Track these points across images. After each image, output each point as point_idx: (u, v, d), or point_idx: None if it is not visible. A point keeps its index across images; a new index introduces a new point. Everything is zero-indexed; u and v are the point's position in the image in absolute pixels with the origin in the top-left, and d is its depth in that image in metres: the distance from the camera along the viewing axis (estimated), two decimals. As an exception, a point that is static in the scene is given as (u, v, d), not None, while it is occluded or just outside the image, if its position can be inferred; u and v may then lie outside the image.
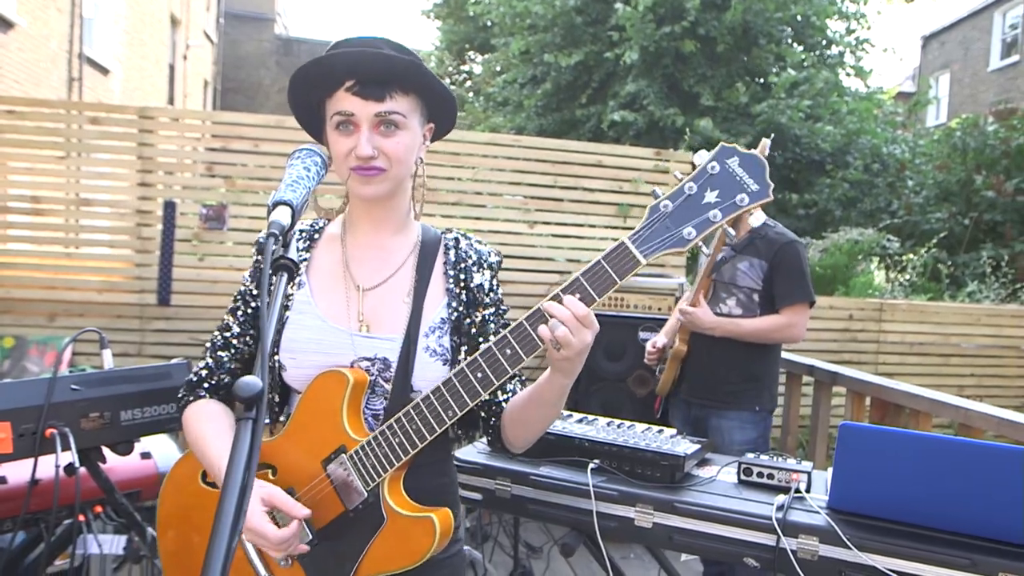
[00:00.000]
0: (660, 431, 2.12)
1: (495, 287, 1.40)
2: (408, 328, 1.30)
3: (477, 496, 2.00)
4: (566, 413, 2.24)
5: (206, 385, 1.38)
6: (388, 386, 1.30)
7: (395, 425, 1.22)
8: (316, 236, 1.39)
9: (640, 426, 2.15)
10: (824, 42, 10.29)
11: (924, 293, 7.46)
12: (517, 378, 1.38)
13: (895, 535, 1.63)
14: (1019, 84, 17.05)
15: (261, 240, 1.33)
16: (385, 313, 1.33)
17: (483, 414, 1.38)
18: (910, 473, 1.62)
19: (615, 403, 3.73)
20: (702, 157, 1.09)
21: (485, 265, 1.39)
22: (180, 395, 1.41)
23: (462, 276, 1.37)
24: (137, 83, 13.95)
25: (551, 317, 1.11)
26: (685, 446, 1.96)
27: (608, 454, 1.94)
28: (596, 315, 1.10)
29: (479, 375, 1.17)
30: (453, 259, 1.38)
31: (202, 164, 4.50)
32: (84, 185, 4.41)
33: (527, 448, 1.38)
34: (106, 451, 1.82)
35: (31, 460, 1.63)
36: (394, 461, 1.22)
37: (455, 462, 2.02)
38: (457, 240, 1.41)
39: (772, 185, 1.08)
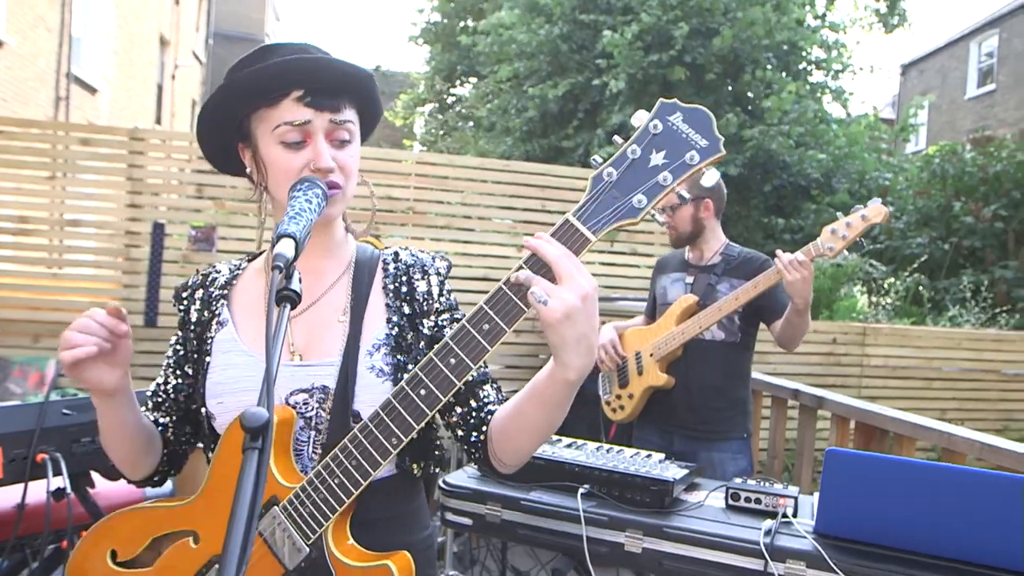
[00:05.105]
0: (648, 456, 2.14)
1: (445, 292, 1.25)
2: (346, 348, 1.15)
3: (467, 521, 2.01)
4: (555, 438, 2.26)
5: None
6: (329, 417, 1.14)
7: (331, 463, 1.05)
8: (239, 274, 1.29)
9: (629, 451, 2.17)
10: (806, 68, 10.48)
11: (906, 317, 7.57)
12: (491, 383, 1.24)
13: (882, 560, 1.65)
14: (996, 112, 17.43)
15: (181, 292, 1.28)
16: (319, 337, 1.18)
17: (460, 432, 1.21)
18: (894, 498, 1.64)
19: (600, 426, 3.74)
20: (641, 117, 0.99)
21: (431, 272, 1.25)
22: None
23: (403, 289, 1.23)
24: (124, 103, 13.95)
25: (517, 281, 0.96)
26: (674, 471, 1.98)
27: (598, 479, 1.96)
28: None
29: (422, 392, 1.01)
30: (393, 272, 1.25)
31: (191, 186, 4.51)
32: (71, 206, 4.40)
33: (521, 465, 1.20)
34: (95, 476, 1.82)
35: (19, 485, 1.62)
36: (335, 506, 1.05)
37: (445, 487, 2.03)
38: (396, 254, 1.28)
39: (722, 139, 0.97)
